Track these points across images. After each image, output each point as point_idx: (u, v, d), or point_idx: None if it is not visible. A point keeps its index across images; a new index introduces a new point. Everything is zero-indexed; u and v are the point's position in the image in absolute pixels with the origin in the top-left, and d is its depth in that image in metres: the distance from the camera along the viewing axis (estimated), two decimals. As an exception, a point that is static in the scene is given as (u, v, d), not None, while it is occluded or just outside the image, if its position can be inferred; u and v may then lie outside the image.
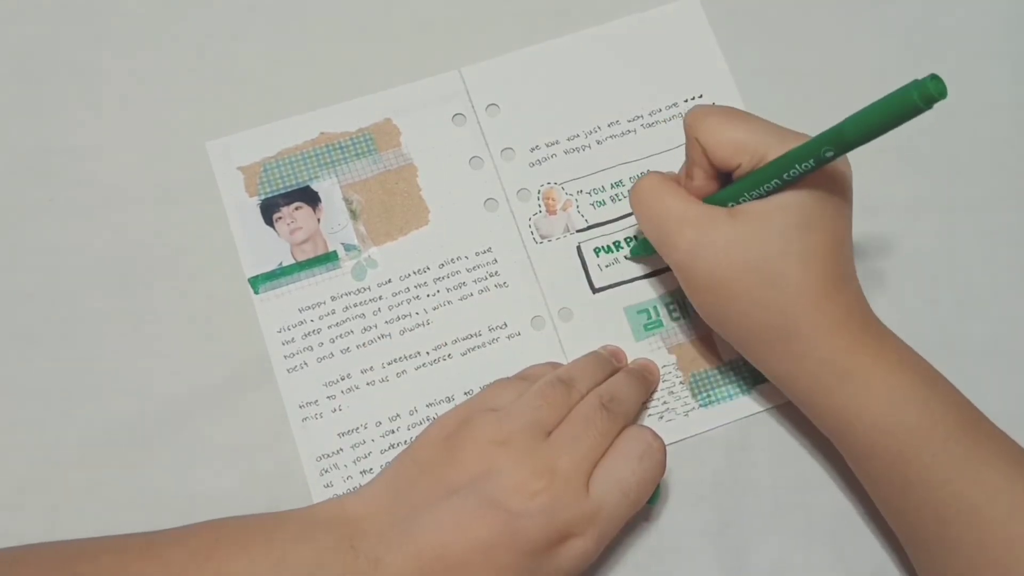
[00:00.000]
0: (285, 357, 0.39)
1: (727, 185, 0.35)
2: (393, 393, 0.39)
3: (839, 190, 0.33)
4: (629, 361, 0.40)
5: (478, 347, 0.40)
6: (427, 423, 0.38)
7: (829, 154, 0.31)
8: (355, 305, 0.40)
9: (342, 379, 0.39)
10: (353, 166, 0.41)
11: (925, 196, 0.42)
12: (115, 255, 0.40)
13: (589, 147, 0.42)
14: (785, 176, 0.32)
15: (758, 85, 0.43)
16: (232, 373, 0.39)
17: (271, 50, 0.43)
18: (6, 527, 0.36)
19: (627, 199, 0.41)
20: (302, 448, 0.38)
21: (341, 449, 0.38)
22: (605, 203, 0.41)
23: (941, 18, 0.44)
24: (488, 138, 0.42)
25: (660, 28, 0.44)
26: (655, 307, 0.40)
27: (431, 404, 0.39)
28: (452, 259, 0.40)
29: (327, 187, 0.41)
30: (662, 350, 0.40)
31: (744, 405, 0.39)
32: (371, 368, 0.39)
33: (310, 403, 0.39)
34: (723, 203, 0.34)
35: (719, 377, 0.40)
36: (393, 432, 0.39)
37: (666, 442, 0.35)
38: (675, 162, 0.42)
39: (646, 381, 0.38)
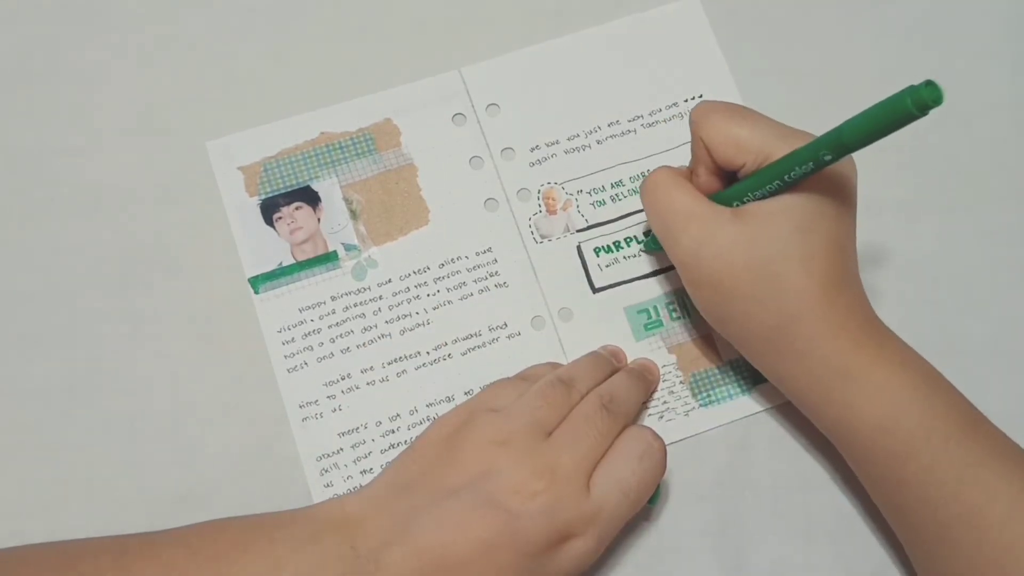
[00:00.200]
0: (285, 357, 0.39)
1: (732, 183, 0.35)
2: (393, 393, 0.39)
3: (843, 192, 0.33)
4: (629, 361, 0.40)
5: (478, 347, 0.40)
6: (427, 423, 0.38)
7: (828, 157, 0.31)
8: (355, 305, 0.40)
9: (342, 379, 0.39)
10: (353, 166, 0.41)
11: (925, 196, 0.42)
12: (115, 255, 0.40)
13: (589, 147, 0.42)
14: (787, 178, 0.32)
15: (758, 85, 0.43)
16: (232, 373, 0.39)
17: (271, 50, 0.43)
18: (6, 527, 0.36)
19: (627, 199, 0.41)
20: (302, 448, 0.38)
21: (341, 449, 0.38)
22: (605, 203, 0.41)
23: (941, 18, 0.44)
24: (488, 138, 0.42)
25: (660, 28, 0.44)
26: (655, 307, 0.40)
27: (431, 404, 0.39)
28: (452, 259, 0.40)
29: (327, 187, 0.41)
30: (662, 350, 0.40)
31: (744, 405, 0.39)
32: (371, 368, 0.39)
33: (310, 403, 0.39)
34: (728, 202, 0.34)
35: (719, 377, 0.40)
36: (393, 432, 0.39)
37: (666, 442, 0.35)
38: (674, 162, 0.42)
39: (646, 381, 0.38)
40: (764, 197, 0.33)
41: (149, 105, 0.42)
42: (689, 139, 0.42)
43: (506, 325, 0.40)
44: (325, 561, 0.31)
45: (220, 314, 0.40)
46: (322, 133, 0.42)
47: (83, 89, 0.42)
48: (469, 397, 0.38)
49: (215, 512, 0.34)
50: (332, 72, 0.43)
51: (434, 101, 0.42)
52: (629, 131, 0.42)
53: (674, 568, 0.37)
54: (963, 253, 0.41)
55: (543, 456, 0.32)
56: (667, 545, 0.37)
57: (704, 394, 0.39)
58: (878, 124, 0.29)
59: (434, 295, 0.40)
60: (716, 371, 0.40)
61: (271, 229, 0.40)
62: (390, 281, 0.40)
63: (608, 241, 0.41)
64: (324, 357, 0.39)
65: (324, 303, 0.40)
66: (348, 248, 0.40)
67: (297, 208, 0.41)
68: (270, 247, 0.40)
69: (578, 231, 0.41)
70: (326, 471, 0.38)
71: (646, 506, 0.36)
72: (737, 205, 0.34)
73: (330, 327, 0.39)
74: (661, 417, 0.39)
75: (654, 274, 0.41)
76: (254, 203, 0.41)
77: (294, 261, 0.40)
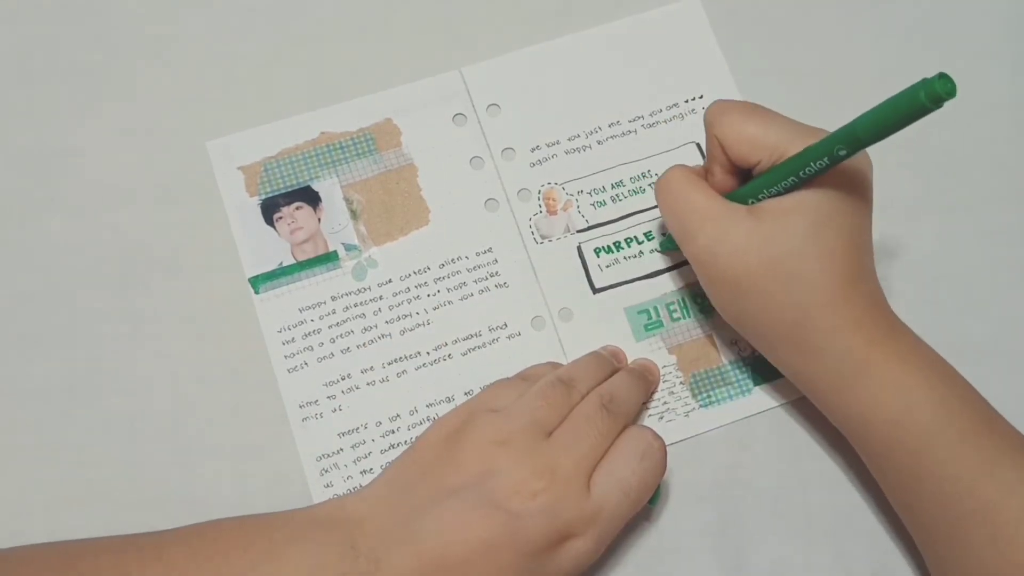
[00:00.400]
0: (285, 357, 0.39)
1: (746, 182, 0.35)
2: (393, 393, 0.39)
3: (858, 188, 0.33)
4: (629, 361, 0.40)
5: (478, 347, 0.40)
6: (427, 423, 0.38)
7: (842, 152, 0.31)
8: (355, 305, 0.40)
9: (342, 379, 0.39)
10: (354, 166, 0.41)
11: (925, 196, 0.42)
12: (115, 255, 0.40)
13: (590, 147, 0.42)
14: (801, 174, 0.32)
15: (758, 85, 0.43)
16: (232, 373, 0.39)
17: (272, 50, 0.43)
18: (6, 527, 0.36)
19: (627, 200, 0.41)
20: (302, 448, 0.38)
21: (341, 449, 0.38)
22: (606, 203, 0.41)
23: (941, 18, 0.44)
24: (489, 138, 0.42)
25: (661, 28, 0.44)
26: (655, 307, 0.40)
27: (431, 404, 0.39)
28: (452, 259, 0.40)
29: (328, 187, 0.41)
30: (662, 350, 0.40)
31: (744, 406, 0.39)
32: (371, 368, 0.39)
33: (310, 403, 0.39)
34: (743, 200, 0.34)
35: (719, 378, 0.40)
36: (393, 432, 0.38)
37: (666, 443, 0.35)
38: (675, 162, 0.42)
39: (646, 381, 0.38)
40: (779, 194, 0.33)
41: (149, 105, 0.42)
42: (688, 139, 0.42)
43: (506, 325, 0.40)
44: (325, 561, 0.31)
45: (220, 314, 0.40)
46: (322, 133, 0.42)
47: (83, 89, 0.42)
48: (469, 397, 0.38)
49: (215, 512, 0.34)
50: (332, 72, 0.43)
51: (434, 101, 0.42)
52: (630, 131, 0.42)
53: (674, 568, 0.37)
54: (963, 253, 0.41)
55: (543, 456, 0.32)
56: (667, 545, 0.37)
57: (704, 395, 0.39)
58: (892, 118, 0.29)
59: (434, 295, 0.40)
60: (716, 372, 0.40)
61: (271, 229, 0.40)
62: (390, 281, 0.40)
63: (608, 241, 0.41)
64: (324, 357, 0.39)
65: (324, 303, 0.40)
66: (348, 248, 0.40)
67: (297, 208, 0.41)
68: (270, 247, 0.40)
69: (578, 231, 0.41)
70: (326, 471, 0.38)
71: (646, 506, 0.36)
72: (752, 203, 0.34)
73: (330, 327, 0.39)
74: (661, 418, 0.39)
75: (655, 275, 0.41)
76: (254, 203, 0.41)
77: (294, 261, 0.40)
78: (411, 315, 0.40)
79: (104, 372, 0.39)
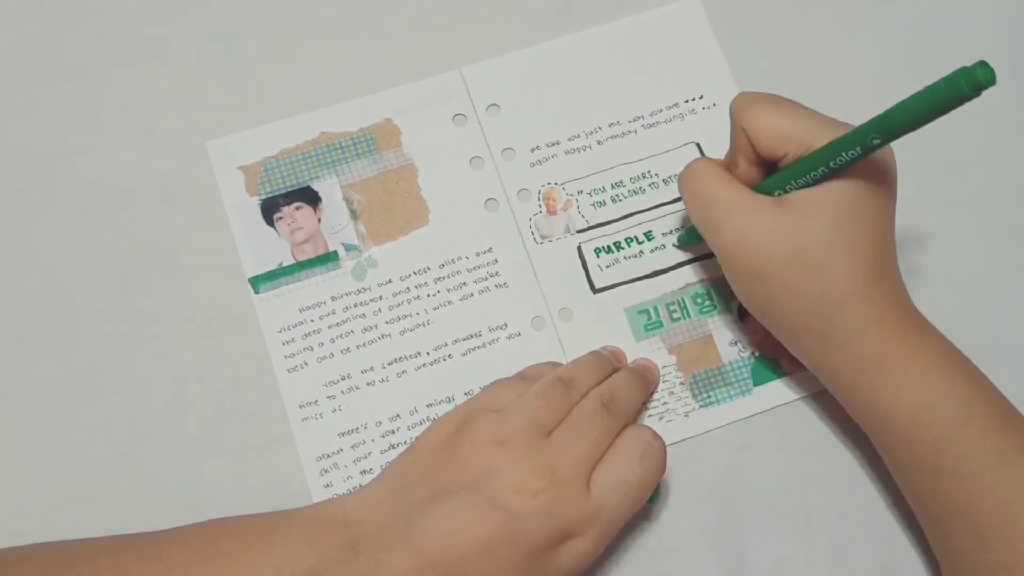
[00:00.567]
0: (285, 357, 0.39)
1: (770, 174, 0.35)
2: (393, 393, 0.39)
3: (884, 180, 0.33)
4: (629, 361, 0.40)
5: (478, 347, 0.40)
6: (427, 423, 0.38)
7: (876, 142, 0.30)
8: (355, 305, 0.40)
9: (342, 379, 0.39)
10: (354, 166, 0.41)
11: (925, 196, 0.42)
12: (115, 255, 0.40)
13: (590, 147, 0.42)
14: (832, 164, 0.32)
15: (759, 85, 0.42)
16: (232, 373, 0.39)
17: (272, 50, 0.43)
18: (6, 527, 0.36)
19: (628, 200, 0.41)
20: (302, 448, 0.38)
21: (341, 449, 0.38)
22: (606, 203, 0.41)
23: (941, 18, 0.44)
24: (489, 138, 0.42)
25: (661, 28, 0.44)
26: (655, 308, 0.40)
27: (431, 404, 0.39)
28: (452, 259, 0.40)
29: (327, 187, 0.41)
30: (662, 351, 0.40)
31: (744, 406, 0.39)
32: (371, 368, 0.39)
33: (310, 403, 0.39)
34: (769, 192, 0.34)
35: (719, 378, 0.40)
36: (393, 432, 0.38)
37: (666, 443, 0.35)
38: (675, 162, 0.42)
39: (646, 381, 0.38)
40: (807, 185, 0.33)
41: (149, 105, 0.42)
42: (688, 140, 0.43)
43: (506, 325, 0.40)
44: (325, 561, 0.31)
45: (220, 314, 0.40)
46: (322, 133, 0.42)
47: (83, 89, 0.42)
48: (469, 397, 0.38)
49: (215, 512, 0.34)
50: (332, 72, 0.43)
51: (434, 101, 0.42)
52: (630, 131, 0.42)
53: (674, 568, 0.37)
54: (963, 253, 0.41)
55: (543, 456, 0.32)
56: (667, 545, 0.37)
57: (704, 395, 0.39)
58: (930, 106, 0.29)
59: (434, 295, 0.40)
60: (716, 372, 0.40)
61: (271, 229, 0.40)
62: (390, 281, 0.40)
63: (608, 242, 0.41)
64: (324, 357, 0.39)
65: (324, 303, 0.40)
66: (348, 248, 0.40)
67: (297, 208, 0.41)
68: (270, 247, 0.40)
69: (578, 232, 0.41)
70: (326, 471, 0.38)
71: (646, 506, 0.36)
72: (779, 194, 0.34)
73: (330, 327, 0.39)
74: (661, 418, 0.39)
75: (655, 275, 0.41)
76: (254, 203, 0.41)
77: (294, 261, 0.40)
78: (411, 315, 0.40)
79: (104, 372, 0.39)
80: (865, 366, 0.33)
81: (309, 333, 0.39)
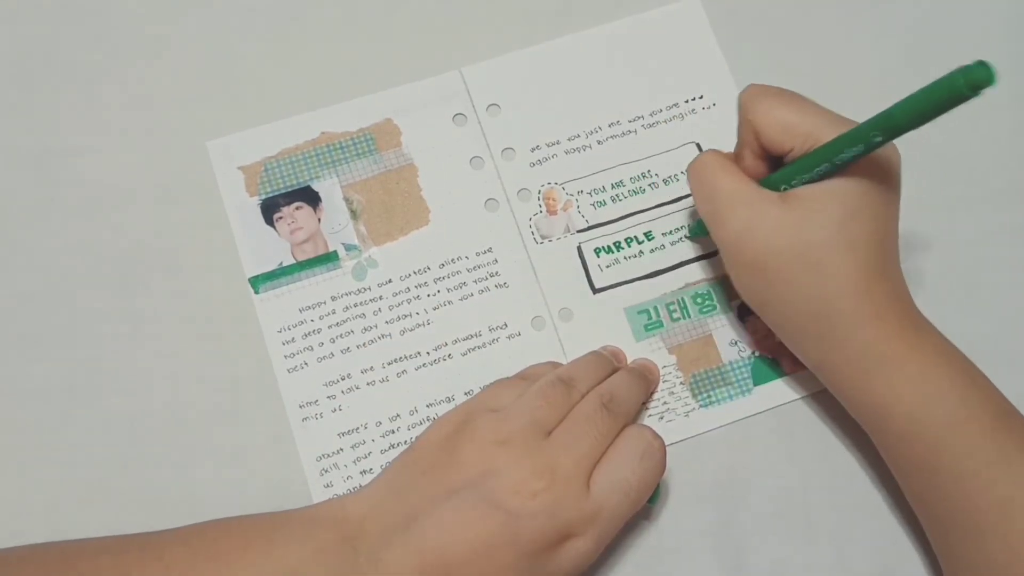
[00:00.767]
0: (285, 357, 0.39)
1: (776, 168, 0.35)
2: (393, 393, 0.39)
3: (888, 178, 0.33)
4: (629, 361, 0.40)
5: (478, 347, 0.40)
6: (427, 423, 0.38)
7: (878, 139, 0.31)
8: (355, 305, 0.40)
9: (342, 379, 0.39)
10: (354, 166, 0.41)
11: (926, 196, 0.42)
12: (115, 255, 0.40)
13: (590, 147, 0.42)
14: (835, 160, 0.32)
15: (759, 85, 0.43)
16: (232, 373, 0.39)
17: (272, 49, 0.43)
18: (6, 527, 0.36)
19: (628, 199, 0.41)
20: (302, 448, 0.38)
21: (341, 449, 0.38)
22: (606, 203, 0.41)
23: (941, 18, 0.44)
24: (489, 138, 0.42)
25: (661, 28, 0.44)
26: (655, 308, 0.40)
27: (431, 404, 0.39)
28: (452, 259, 0.40)
29: (328, 187, 0.41)
30: (662, 351, 0.40)
31: (744, 406, 0.39)
32: (371, 368, 0.39)
33: (310, 403, 0.39)
34: (774, 186, 0.34)
35: (719, 378, 0.40)
36: (393, 432, 0.38)
37: (666, 443, 0.35)
38: (675, 162, 0.42)
39: (646, 381, 0.38)
40: (812, 181, 0.33)
41: (149, 105, 0.42)
42: (688, 139, 0.43)
43: (506, 325, 0.40)
44: (325, 561, 0.31)
45: (220, 314, 0.40)
46: (323, 133, 0.42)
47: (83, 89, 0.42)
48: (469, 397, 0.38)
49: (215, 512, 0.34)
50: (333, 72, 0.43)
51: (434, 101, 0.42)
52: (630, 131, 0.42)
53: (674, 568, 0.37)
54: (964, 253, 0.41)
55: (543, 456, 0.32)
56: (667, 545, 0.37)
57: (704, 395, 0.39)
58: (930, 105, 0.29)
59: (434, 295, 0.40)
60: (716, 372, 0.40)
61: (271, 229, 0.40)
62: (390, 281, 0.40)
63: (608, 242, 0.41)
64: (324, 357, 0.39)
65: (324, 303, 0.40)
66: (348, 248, 0.40)
67: (297, 208, 0.41)
68: (270, 247, 0.40)
69: (578, 231, 0.41)
70: (326, 471, 0.38)
71: (646, 506, 0.36)
72: (784, 189, 0.34)
73: (330, 327, 0.39)
74: (661, 418, 0.39)
75: (655, 275, 0.41)
76: (254, 203, 0.41)
77: (294, 261, 0.40)
78: (411, 315, 0.40)
79: (104, 372, 0.39)
80: (864, 364, 0.33)
81: (309, 333, 0.39)
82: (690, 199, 0.41)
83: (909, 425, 0.33)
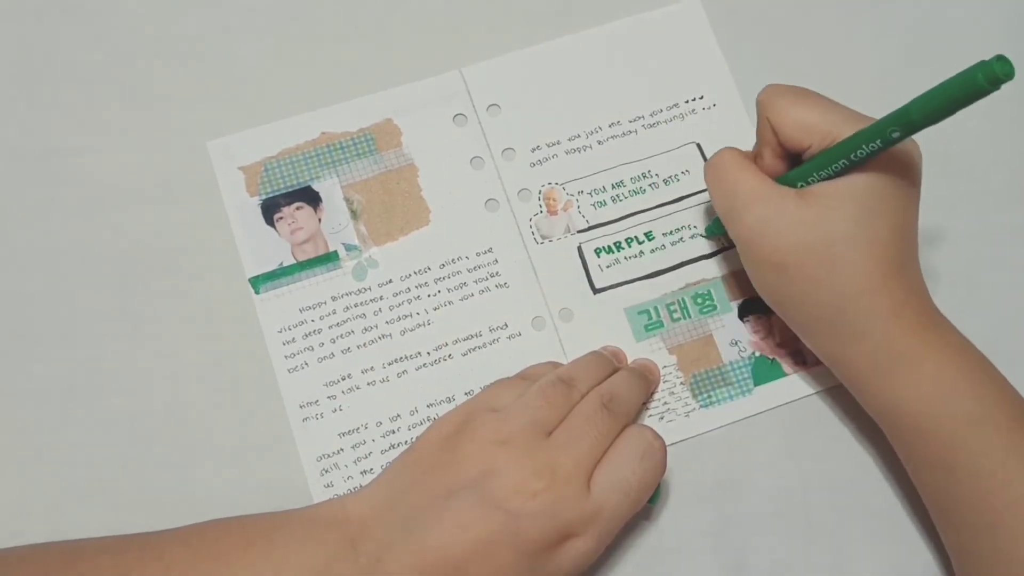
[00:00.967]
0: (286, 357, 0.39)
1: (796, 166, 0.35)
2: (394, 393, 0.39)
3: (908, 173, 0.33)
4: (630, 361, 0.40)
5: (479, 347, 0.40)
6: (428, 423, 0.38)
7: (896, 135, 0.31)
8: (356, 305, 0.40)
9: (343, 379, 0.39)
10: (354, 166, 0.41)
11: (926, 196, 0.42)
12: (115, 255, 0.40)
13: (590, 147, 0.42)
14: (853, 156, 0.32)
15: (759, 86, 0.42)
16: (232, 373, 0.39)
17: (272, 50, 0.43)
18: (6, 527, 0.36)
19: (628, 200, 0.41)
20: (302, 448, 0.38)
21: (342, 449, 0.38)
22: (606, 203, 0.41)
23: (941, 18, 0.44)
24: (489, 138, 0.42)
25: (661, 29, 0.44)
26: (656, 308, 0.40)
27: (432, 404, 0.39)
28: (453, 259, 0.40)
29: (328, 187, 0.41)
30: (662, 351, 0.40)
31: (744, 406, 0.39)
32: (372, 368, 0.39)
33: (311, 403, 0.39)
34: (792, 183, 0.34)
35: (720, 378, 0.40)
36: (394, 432, 0.38)
37: (667, 443, 0.35)
38: (675, 163, 0.42)
39: (646, 381, 0.38)
40: (829, 177, 0.33)
41: (150, 105, 0.42)
42: (688, 140, 0.43)
43: (507, 326, 0.40)
44: (326, 561, 0.31)
45: (221, 314, 0.40)
46: (323, 133, 0.42)
47: (83, 89, 0.42)
48: (469, 397, 0.38)
49: (215, 512, 0.34)
50: (333, 72, 0.43)
51: (435, 101, 0.42)
52: (630, 132, 0.42)
53: (674, 568, 0.37)
54: (965, 253, 0.41)
55: (543, 456, 0.32)
56: (667, 545, 0.37)
57: (704, 395, 0.39)
58: (948, 100, 0.29)
59: (435, 295, 0.40)
60: (717, 372, 0.40)
61: (272, 229, 0.40)
62: (391, 281, 0.40)
63: (609, 242, 0.41)
64: (325, 357, 0.39)
65: (325, 303, 0.40)
66: (349, 248, 0.40)
67: (298, 208, 0.41)
68: (271, 247, 0.40)
69: (579, 232, 0.41)
70: (326, 471, 0.38)
71: (646, 506, 0.36)
72: (802, 186, 0.34)
73: (331, 327, 0.39)
74: (662, 418, 0.39)
75: (655, 275, 0.41)
76: (255, 203, 0.41)
77: (295, 261, 0.40)
78: (411, 315, 0.40)
79: (104, 372, 0.39)
80: (880, 360, 0.33)
81: (309, 333, 0.39)
82: (690, 199, 0.42)
83: (925, 422, 0.33)
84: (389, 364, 0.39)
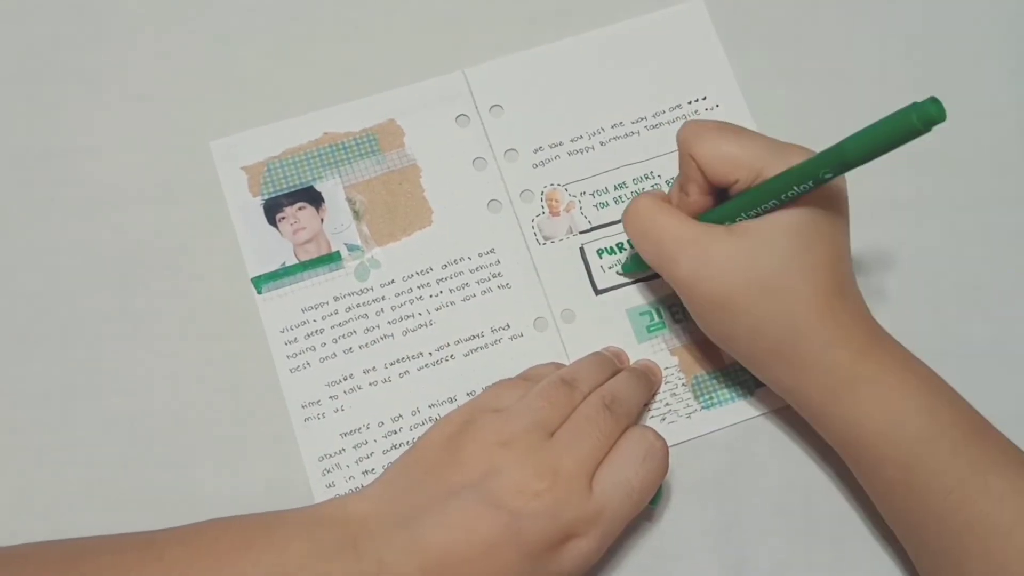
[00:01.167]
0: (288, 357, 0.39)
1: (722, 200, 0.35)
2: (395, 393, 0.39)
3: (836, 206, 0.33)
4: (631, 362, 0.40)
5: (481, 348, 0.40)
6: (429, 424, 0.38)
7: (828, 176, 0.31)
8: (358, 305, 0.40)
9: (344, 379, 0.39)
10: (357, 166, 0.41)
11: (926, 197, 0.42)
12: (116, 255, 0.40)
13: (592, 148, 0.42)
14: (783, 197, 0.32)
15: (762, 87, 0.43)
16: (234, 373, 0.39)
17: (275, 50, 0.43)
18: (6, 527, 0.36)
19: (629, 201, 0.41)
20: (304, 448, 0.38)
21: (343, 449, 0.38)
22: (608, 204, 0.42)
23: (942, 19, 0.44)
24: (492, 139, 0.42)
25: (664, 30, 0.44)
26: (658, 309, 0.40)
27: (433, 405, 0.39)
28: (455, 260, 0.40)
29: (330, 187, 0.41)
30: (664, 352, 0.40)
31: (746, 408, 0.39)
32: (373, 368, 0.39)
33: (312, 403, 0.39)
34: (719, 221, 0.34)
35: (721, 379, 0.40)
36: (395, 432, 0.38)
37: (668, 444, 0.35)
38: (677, 163, 0.42)
39: (648, 381, 0.38)
40: (758, 216, 0.33)
41: (151, 105, 0.42)
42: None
43: (508, 326, 0.40)
44: (327, 560, 0.31)
45: (222, 314, 0.39)
46: (325, 133, 0.42)
47: (85, 89, 0.42)
48: (471, 398, 0.38)
49: (216, 512, 0.33)
50: (336, 72, 0.43)
51: (437, 102, 0.42)
52: (632, 133, 0.42)
53: (675, 568, 0.37)
54: (966, 254, 0.41)
55: (545, 456, 0.32)
56: (669, 546, 0.37)
57: (706, 396, 0.39)
58: (881, 141, 0.29)
59: (437, 296, 0.40)
60: (718, 374, 0.40)
61: (274, 229, 0.40)
62: (393, 282, 0.40)
63: (611, 243, 0.41)
64: (327, 357, 0.39)
65: (327, 303, 0.40)
66: (351, 248, 0.40)
67: (300, 208, 0.41)
68: (273, 247, 0.40)
69: (581, 233, 0.41)
70: (328, 471, 0.38)
71: (648, 506, 0.36)
72: (730, 224, 0.34)
73: (333, 327, 0.39)
74: (663, 419, 0.39)
75: (657, 276, 0.41)
76: (257, 203, 0.41)
77: (297, 261, 0.40)
78: (413, 315, 0.40)
79: (104, 372, 0.39)
80: (832, 386, 0.33)
81: (312, 333, 0.39)
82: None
83: (880, 445, 0.33)
84: (391, 364, 0.39)
